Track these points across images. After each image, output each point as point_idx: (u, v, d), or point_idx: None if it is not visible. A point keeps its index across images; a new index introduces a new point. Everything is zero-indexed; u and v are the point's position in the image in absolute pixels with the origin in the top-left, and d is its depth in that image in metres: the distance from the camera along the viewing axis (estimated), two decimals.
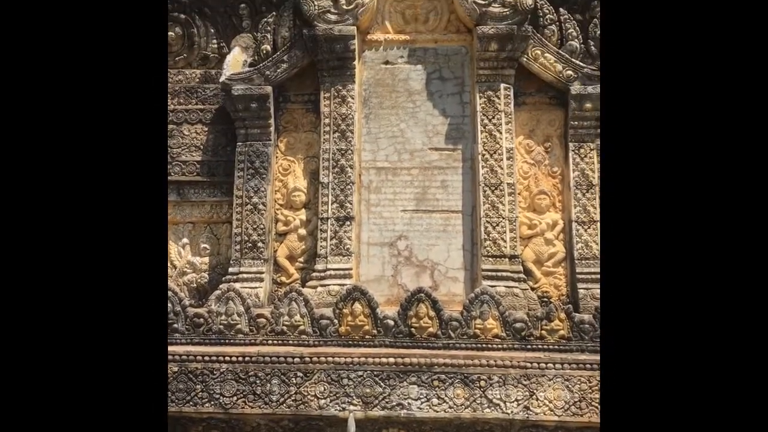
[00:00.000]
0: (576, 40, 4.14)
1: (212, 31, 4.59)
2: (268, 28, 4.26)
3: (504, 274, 3.92)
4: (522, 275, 3.95)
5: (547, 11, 4.17)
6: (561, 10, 4.20)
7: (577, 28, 4.17)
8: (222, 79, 4.19)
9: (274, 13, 4.31)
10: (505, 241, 3.96)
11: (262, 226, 4.10)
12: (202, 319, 3.76)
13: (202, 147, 4.36)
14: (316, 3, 4.13)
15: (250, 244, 4.08)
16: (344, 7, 4.13)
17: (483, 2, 4.06)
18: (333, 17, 4.13)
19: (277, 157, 4.25)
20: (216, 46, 4.59)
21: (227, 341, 3.73)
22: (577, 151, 4.09)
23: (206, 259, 4.29)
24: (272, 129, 4.20)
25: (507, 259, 3.95)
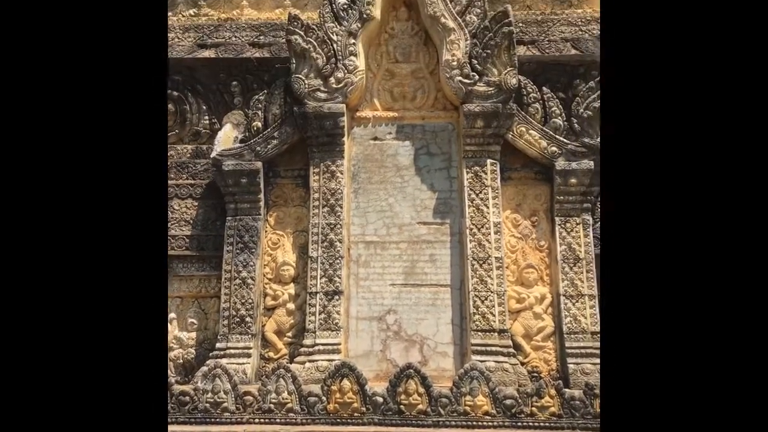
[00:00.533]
0: (559, 117, 4.25)
1: (204, 107, 4.69)
2: (260, 105, 4.36)
3: (493, 348, 3.90)
4: (511, 350, 3.93)
5: (530, 90, 4.29)
6: (544, 89, 4.33)
7: (560, 106, 4.29)
8: (213, 154, 4.25)
9: (265, 91, 4.42)
10: (494, 315, 3.96)
11: (250, 301, 4.09)
12: (188, 397, 3.70)
13: (191, 221, 4.38)
14: (306, 82, 4.24)
15: (237, 319, 4.06)
16: (334, 85, 4.23)
17: (468, 81, 4.18)
18: (323, 95, 4.24)
19: (266, 231, 4.28)
20: (208, 122, 4.68)
21: (213, 420, 3.67)
22: (563, 226, 4.14)
23: (193, 335, 4.26)
24: (262, 204, 4.24)
25: (496, 334, 3.94)
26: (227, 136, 4.37)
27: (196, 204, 4.41)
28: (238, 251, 4.16)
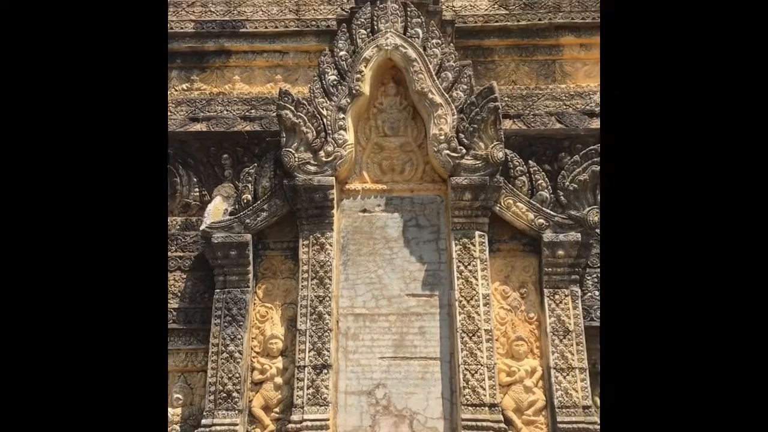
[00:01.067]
0: (546, 190, 4.31)
1: (195, 179, 4.73)
2: (250, 178, 4.40)
3: (484, 423, 3.84)
4: (502, 425, 3.87)
5: (517, 163, 4.37)
6: (530, 162, 4.41)
7: (546, 179, 4.36)
8: (202, 227, 4.27)
9: (256, 164, 4.47)
10: (484, 389, 3.92)
11: (237, 375, 4.03)
12: None
13: (179, 294, 4.35)
14: (296, 155, 4.30)
15: (224, 394, 3.99)
16: (323, 159, 4.29)
17: (456, 155, 4.25)
18: (313, 168, 4.29)
19: (254, 304, 4.25)
20: (198, 194, 4.71)
21: None
22: (552, 297, 4.14)
23: (179, 410, 4.17)
24: (251, 276, 4.24)
25: (487, 408, 3.88)
26: (217, 209, 4.40)
27: (184, 276, 4.40)
28: (225, 324, 4.13)
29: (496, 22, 5.48)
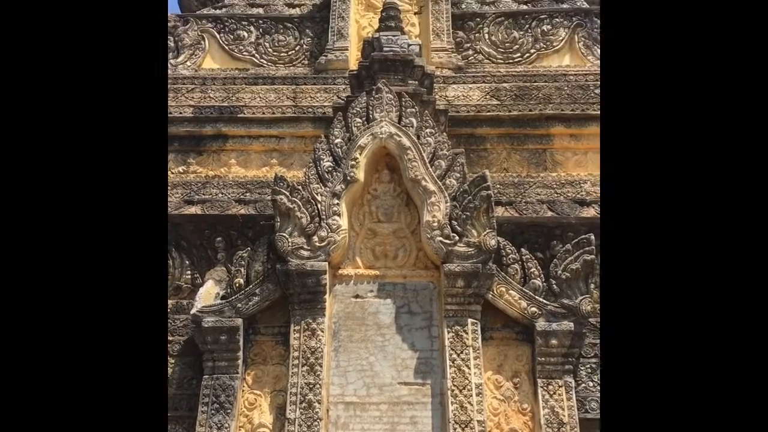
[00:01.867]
0: (538, 278, 4.32)
1: (187, 262, 4.73)
2: (243, 261, 4.39)
3: None
4: None
5: (509, 251, 4.39)
6: (522, 249, 4.43)
7: (539, 267, 4.37)
8: (193, 311, 4.23)
9: (249, 247, 4.48)
10: None
11: None
12: None
13: (167, 380, 4.27)
14: (290, 240, 4.31)
15: None
16: (317, 244, 4.31)
17: (449, 242, 4.27)
18: (306, 253, 4.29)
19: (243, 390, 4.17)
20: (190, 276, 4.70)
21: None
22: (545, 388, 4.08)
23: None
24: (240, 362, 4.17)
25: None
26: (209, 293, 4.38)
27: (172, 362, 4.33)
28: (213, 412, 4.03)
29: (488, 111, 5.63)
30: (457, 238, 4.28)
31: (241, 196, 5.25)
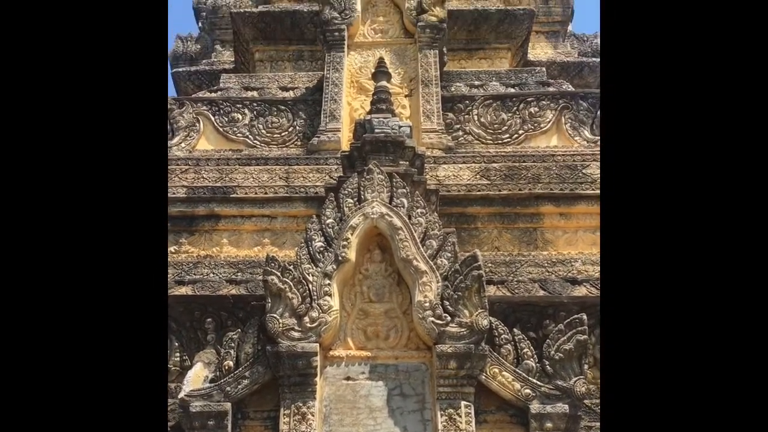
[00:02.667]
0: (531, 359, 4.27)
1: (176, 344, 4.67)
2: (233, 343, 4.34)
3: None
4: None
5: (502, 331, 4.36)
6: (515, 330, 4.41)
7: (531, 347, 4.33)
8: (181, 395, 4.15)
9: (239, 329, 4.43)
10: None
11: None
12: None
13: None
14: (281, 321, 4.27)
15: None
16: (308, 325, 4.27)
17: (441, 322, 4.25)
18: (296, 334, 4.25)
19: None
20: (178, 359, 4.64)
21: None
22: None
23: None
24: None
25: None
26: (197, 376, 4.30)
27: None
28: None
29: (479, 191, 5.71)
30: (449, 318, 4.25)
31: (233, 276, 5.24)
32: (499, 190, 5.70)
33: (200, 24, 9.01)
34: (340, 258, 4.44)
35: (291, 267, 4.40)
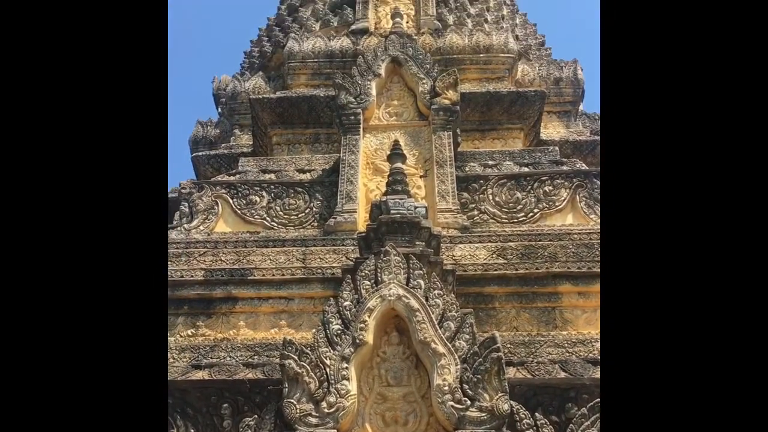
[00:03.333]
0: None
1: (192, 431, 4.60)
2: (249, 430, 4.27)
3: None
4: None
5: (523, 415, 4.27)
6: (537, 414, 4.31)
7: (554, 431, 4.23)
8: None
9: (256, 415, 4.37)
10: None
11: None
12: None
13: None
14: (297, 406, 4.21)
15: None
16: (325, 410, 4.20)
17: (460, 407, 4.16)
18: (314, 420, 4.18)
19: None
20: None
21: None
22: None
23: None
24: None
25: None
26: None
27: None
28: None
29: (495, 270, 5.69)
30: (468, 402, 4.17)
31: (250, 360, 5.20)
32: (516, 269, 5.68)
33: (220, 109, 9.28)
34: (357, 341, 4.40)
35: (308, 350, 4.37)
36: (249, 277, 5.76)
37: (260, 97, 7.69)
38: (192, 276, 5.73)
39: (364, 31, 8.26)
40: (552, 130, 8.19)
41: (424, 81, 6.87)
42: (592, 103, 19.62)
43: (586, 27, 27.83)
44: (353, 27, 8.39)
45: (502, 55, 7.99)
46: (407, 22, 8.34)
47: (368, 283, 4.63)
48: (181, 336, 5.49)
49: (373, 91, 6.90)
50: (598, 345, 5.23)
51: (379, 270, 4.67)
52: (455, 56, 7.89)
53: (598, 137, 7.96)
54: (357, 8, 8.63)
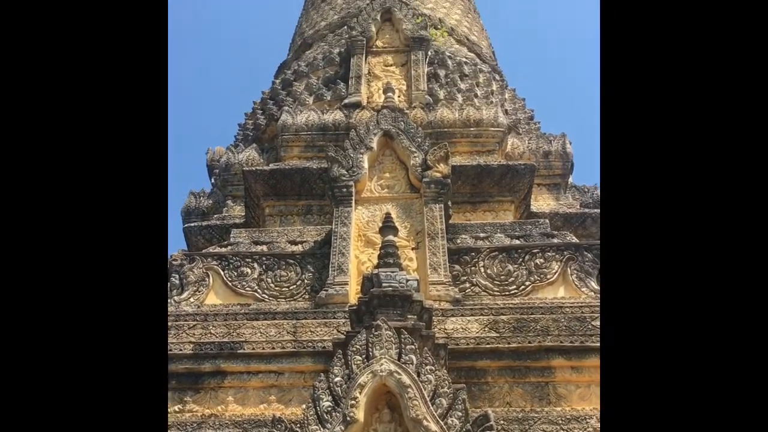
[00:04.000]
0: None
1: None
2: None
3: None
4: None
5: None
6: None
7: None
8: None
9: None
10: None
11: None
12: None
13: None
14: None
15: None
16: None
17: None
18: None
19: None
20: None
21: None
22: None
23: None
24: None
25: None
26: None
27: None
28: None
29: (488, 344, 5.65)
30: None
31: None
32: (509, 343, 5.64)
33: (213, 180, 9.35)
34: (348, 418, 4.32)
35: (298, 428, 4.29)
36: (239, 351, 5.68)
37: (253, 168, 7.76)
38: (181, 349, 5.65)
39: (357, 105, 8.43)
40: (542, 202, 8.28)
41: (415, 154, 6.98)
42: (581, 175, 19.87)
43: (573, 101, 28.53)
44: (346, 101, 8.57)
45: (492, 129, 8.14)
46: (399, 97, 8.52)
47: (359, 358, 4.58)
48: (168, 412, 5.36)
49: (365, 164, 6.98)
50: (593, 422, 5.15)
51: (370, 344, 4.62)
52: (446, 130, 8.04)
53: (588, 210, 8.05)
54: (350, 83, 8.82)
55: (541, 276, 6.38)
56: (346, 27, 9.83)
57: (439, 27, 10.08)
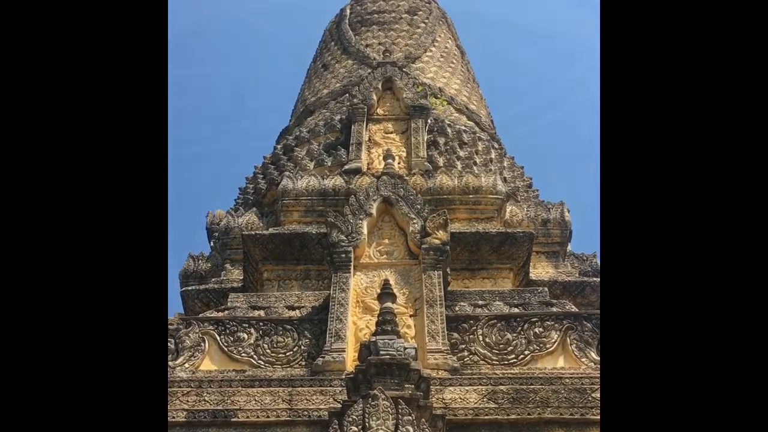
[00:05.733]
0: None
1: None
2: None
3: None
4: None
5: None
6: None
7: None
8: None
9: None
10: None
11: None
12: None
13: None
14: None
15: None
16: None
17: None
18: None
19: None
20: None
21: None
22: None
23: None
24: None
25: None
26: None
27: None
28: None
29: (486, 415, 5.55)
30: None
31: None
32: (508, 415, 5.54)
33: (212, 243, 9.34)
34: None
35: None
36: (232, 419, 5.58)
37: (253, 233, 7.78)
38: (174, 417, 5.54)
39: (357, 171, 8.51)
40: (541, 270, 8.26)
41: (414, 221, 7.00)
42: (579, 243, 19.73)
43: (572, 169, 28.84)
44: (346, 167, 8.66)
45: (491, 196, 8.20)
46: (399, 164, 8.62)
47: (355, 429, 4.50)
48: None
49: (365, 230, 7.00)
50: None
51: (366, 415, 4.55)
52: (445, 197, 8.10)
53: (587, 279, 8.03)
54: (351, 149, 8.94)
55: (540, 345, 6.31)
56: (347, 95, 10.02)
57: (439, 96, 10.28)
